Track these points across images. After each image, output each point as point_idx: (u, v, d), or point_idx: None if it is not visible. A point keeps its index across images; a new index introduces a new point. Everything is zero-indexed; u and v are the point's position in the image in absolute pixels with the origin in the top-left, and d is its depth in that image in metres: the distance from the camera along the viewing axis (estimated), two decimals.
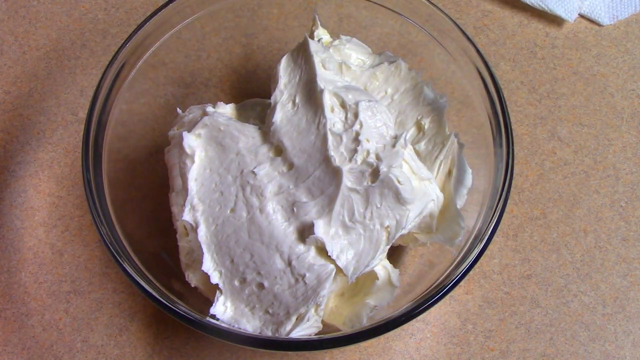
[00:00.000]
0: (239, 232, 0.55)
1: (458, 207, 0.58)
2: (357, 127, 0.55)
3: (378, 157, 0.55)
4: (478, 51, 0.60)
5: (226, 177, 0.56)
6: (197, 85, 0.71)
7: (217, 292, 0.55)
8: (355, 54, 0.64)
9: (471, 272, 0.53)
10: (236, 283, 0.54)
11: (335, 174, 0.54)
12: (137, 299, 0.64)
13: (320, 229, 0.53)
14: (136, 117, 0.64)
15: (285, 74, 0.59)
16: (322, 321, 0.55)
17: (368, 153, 0.55)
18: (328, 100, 0.56)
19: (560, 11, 0.74)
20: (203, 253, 0.55)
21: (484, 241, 0.54)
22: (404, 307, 0.53)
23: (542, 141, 0.70)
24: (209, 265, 0.55)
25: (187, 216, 0.56)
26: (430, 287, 0.54)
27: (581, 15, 0.76)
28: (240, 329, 0.54)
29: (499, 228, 0.54)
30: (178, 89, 0.69)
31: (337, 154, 0.55)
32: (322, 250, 0.54)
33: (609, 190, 0.69)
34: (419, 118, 0.61)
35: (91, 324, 0.63)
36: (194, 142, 0.57)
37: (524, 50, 0.75)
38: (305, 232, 0.54)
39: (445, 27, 0.62)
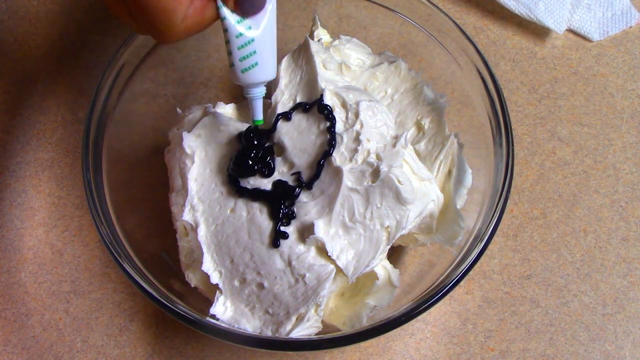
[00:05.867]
0: (239, 232, 0.55)
1: (458, 207, 0.58)
2: (357, 126, 0.55)
3: (378, 157, 0.55)
4: (478, 51, 0.60)
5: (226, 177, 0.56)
6: (197, 85, 0.71)
7: (217, 292, 0.55)
8: (355, 54, 0.64)
9: (471, 272, 0.53)
10: (236, 283, 0.54)
11: (335, 173, 0.54)
12: (137, 299, 0.64)
13: (321, 229, 0.53)
14: (136, 117, 0.64)
15: (286, 74, 0.59)
16: (322, 321, 0.55)
17: (368, 153, 0.55)
18: (329, 100, 0.57)
19: (549, 22, 0.73)
20: (203, 253, 0.55)
21: (484, 241, 0.54)
22: (404, 307, 0.53)
23: (542, 141, 0.70)
24: (209, 265, 0.55)
25: (187, 216, 0.56)
26: (430, 287, 0.54)
27: (570, 31, 0.75)
28: (240, 329, 0.54)
29: (499, 228, 0.55)
30: (178, 89, 0.69)
31: (338, 154, 0.55)
32: (322, 250, 0.54)
33: (609, 190, 0.69)
34: (418, 118, 0.61)
35: (91, 324, 0.63)
36: (194, 142, 0.57)
37: (524, 50, 0.75)
38: (305, 232, 0.54)
39: (445, 27, 0.62)
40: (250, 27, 0.47)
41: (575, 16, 0.75)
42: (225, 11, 0.46)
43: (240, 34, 0.46)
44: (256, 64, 0.48)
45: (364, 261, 0.54)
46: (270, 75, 0.50)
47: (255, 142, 0.55)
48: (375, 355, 0.62)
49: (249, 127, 0.55)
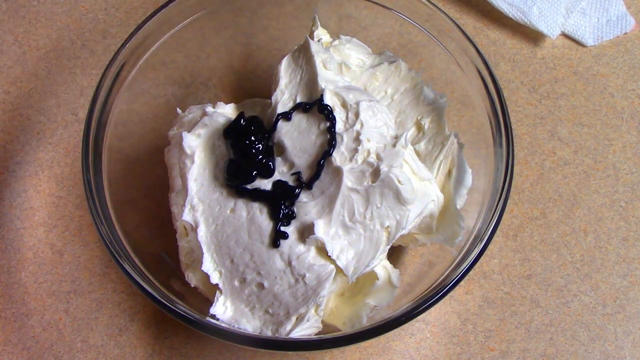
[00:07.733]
0: (239, 232, 0.55)
1: (458, 207, 0.58)
2: (357, 126, 0.55)
3: (379, 157, 0.55)
4: (478, 51, 0.60)
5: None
6: (197, 85, 0.71)
7: (217, 292, 0.55)
8: (355, 54, 0.64)
9: (471, 272, 0.53)
10: (236, 283, 0.54)
11: (335, 173, 0.54)
12: (137, 299, 0.64)
13: (321, 229, 0.53)
14: (136, 117, 0.64)
15: (286, 75, 0.59)
16: (322, 321, 0.55)
17: (369, 153, 0.55)
18: (329, 100, 0.56)
19: (542, 27, 0.73)
20: (203, 253, 0.55)
21: (484, 241, 0.54)
22: (404, 307, 0.53)
23: (542, 141, 0.71)
24: (209, 265, 0.55)
25: (187, 216, 0.56)
26: (430, 287, 0.54)
27: (564, 34, 0.75)
28: (240, 329, 0.54)
29: (499, 228, 0.55)
30: (178, 89, 0.69)
31: (338, 154, 0.55)
32: (322, 251, 0.54)
33: (609, 190, 0.69)
34: (418, 118, 0.61)
35: (91, 324, 0.63)
36: (193, 142, 0.57)
37: (524, 50, 0.75)
38: (305, 232, 0.54)
39: (445, 27, 0.62)
40: None
41: (570, 21, 0.74)
42: None
43: None
44: None
45: (364, 261, 0.54)
46: None
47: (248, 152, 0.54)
48: (375, 355, 0.62)
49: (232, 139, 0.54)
